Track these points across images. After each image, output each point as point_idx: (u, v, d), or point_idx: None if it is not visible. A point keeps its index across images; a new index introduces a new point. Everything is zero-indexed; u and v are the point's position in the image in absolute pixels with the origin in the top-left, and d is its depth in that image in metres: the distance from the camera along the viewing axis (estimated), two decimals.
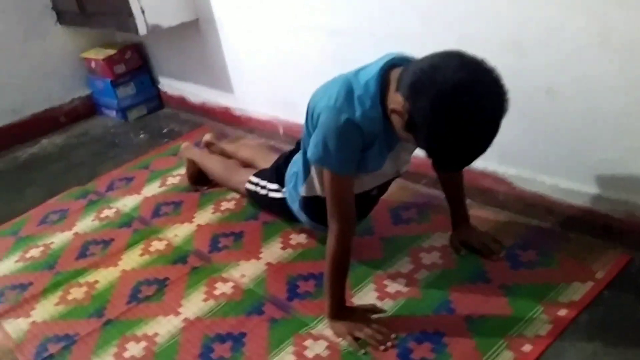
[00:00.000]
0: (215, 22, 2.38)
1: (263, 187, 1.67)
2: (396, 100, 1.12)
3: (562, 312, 1.26)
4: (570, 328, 1.22)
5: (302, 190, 1.47)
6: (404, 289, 1.42)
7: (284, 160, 1.62)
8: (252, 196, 1.73)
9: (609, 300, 1.28)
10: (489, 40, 1.44)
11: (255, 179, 1.71)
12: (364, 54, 1.34)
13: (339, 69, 1.32)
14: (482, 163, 1.67)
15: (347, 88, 1.20)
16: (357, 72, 1.24)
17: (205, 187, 2.09)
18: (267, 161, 1.81)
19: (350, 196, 1.27)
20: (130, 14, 2.30)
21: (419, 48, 1.20)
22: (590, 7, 1.26)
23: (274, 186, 1.63)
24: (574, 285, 1.33)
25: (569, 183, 1.49)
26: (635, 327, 1.20)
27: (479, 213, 1.65)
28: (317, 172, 1.38)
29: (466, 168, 1.67)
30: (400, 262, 1.52)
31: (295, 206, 1.54)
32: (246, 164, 1.95)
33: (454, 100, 1.02)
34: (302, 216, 1.55)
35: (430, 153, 1.13)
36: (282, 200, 1.60)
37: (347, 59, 1.44)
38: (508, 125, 1.53)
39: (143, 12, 2.30)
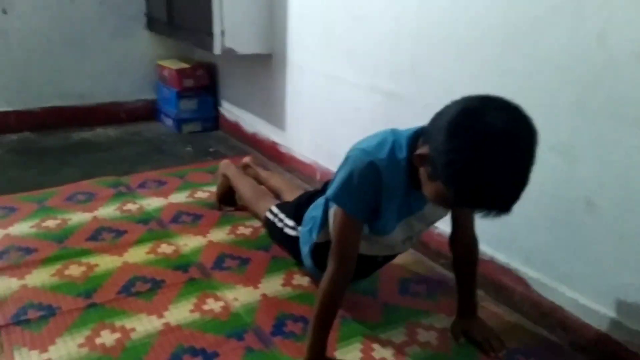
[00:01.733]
0: (287, 62, 2.46)
1: (280, 220, 1.66)
2: (421, 150, 1.10)
3: None
4: None
5: (316, 237, 1.45)
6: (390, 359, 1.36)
7: (307, 199, 1.60)
8: (269, 226, 1.72)
9: None
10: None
11: (275, 210, 1.71)
12: (415, 121, 1.32)
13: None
14: (505, 258, 1.62)
15: (382, 138, 1.22)
16: (396, 129, 1.25)
17: (230, 209, 2.10)
18: (293, 195, 1.80)
19: (355, 240, 1.25)
20: (210, 33, 2.42)
21: None
22: None
23: (291, 223, 1.62)
24: None
25: (589, 301, 1.41)
26: None
27: (490, 308, 1.58)
28: (334, 217, 1.36)
29: (488, 260, 1.62)
30: (394, 332, 1.46)
31: (305, 249, 1.52)
32: (274, 193, 1.96)
33: (465, 123, 0.98)
34: (307, 260, 1.52)
35: (452, 186, 1.01)
36: (295, 239, 1.58)
37: (397, 123, 1.41)
38: (541, 229, 1.51)
39: (223, 34, 2.41)
